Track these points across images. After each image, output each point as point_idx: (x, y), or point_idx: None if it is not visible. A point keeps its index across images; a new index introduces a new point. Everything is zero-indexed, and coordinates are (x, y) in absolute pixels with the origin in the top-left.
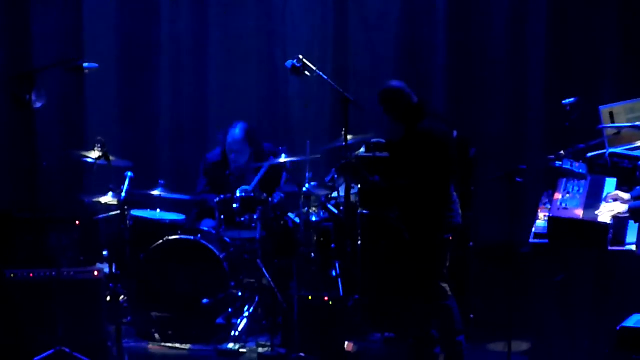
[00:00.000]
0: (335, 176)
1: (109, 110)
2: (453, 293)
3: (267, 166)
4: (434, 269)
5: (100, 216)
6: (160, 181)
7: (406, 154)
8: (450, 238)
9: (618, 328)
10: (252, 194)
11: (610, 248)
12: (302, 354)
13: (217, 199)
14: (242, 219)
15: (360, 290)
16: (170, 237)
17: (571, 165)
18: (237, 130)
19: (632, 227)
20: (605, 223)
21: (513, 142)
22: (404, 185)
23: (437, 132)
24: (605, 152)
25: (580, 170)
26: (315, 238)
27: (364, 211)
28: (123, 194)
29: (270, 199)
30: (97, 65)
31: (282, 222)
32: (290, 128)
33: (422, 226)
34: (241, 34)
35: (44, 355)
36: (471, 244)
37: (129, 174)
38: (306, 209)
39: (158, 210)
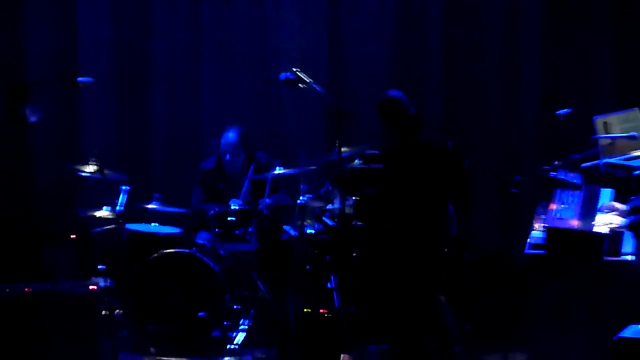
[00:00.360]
0: (330, 188)
1: (103, 124)
2: (449, 304)
3: (266, 177)
4: (430, 280)
5: (96, 230)
6: (155, 195)
7: (403, 166)
8: (446, 250)
9: (615, 339)
10: (247, 207)
11: (606, 259)
12: None
13: (212, 211)
14: (237, 231)
15: (356, 303)
16: (166, 251)
17: (566, 176)
18: (230, 134)
19: (628, 237)
20: (602, 233)
21: (508, 153)
22: (400, 201)
23: (433, 145)
24: (600, 163)
25: (576, 181)
26: (310, 250)
27: (359, 223)
28: (119, 208)
29: (264, 211)
30: (92, 79)
31: (277, 235)
32: (284, 140)
33: (418, 238)
34: (234, 47)
35: None
36: (467, 255)
37: (125, 187)
38: (301, 221)
39: (153, 224)
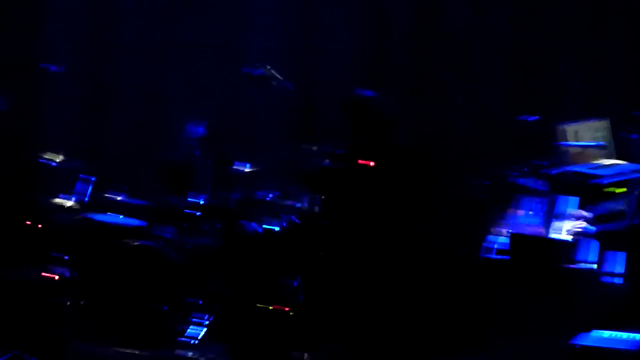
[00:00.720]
0: (297, 186)
1: (72, 112)
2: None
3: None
4: (394, 280)
5: (61, 219)
6: (124, 187)
7: (369, 166)
8: (414, 252)
9: (575, 346)
10: (214, 201)
11: (570, 266)
12: None
13: (179, 205)
14: (204, 226)
15: (319, 301)
16: (130, 243)
17: (533, 183)
18: (197, 127)
19: (593, 245)
20: (566, 240)
21: (474, 155)
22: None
23: (401, 146)
24: (567, 170)
25: (542, 188)
26: (275, 248)
27: (326, 222)
28: (86, 198)
29: (230, 207)
30: (62, 69)
31: (243, 231)
32: (252, 135)
33: (383, 238)
34: (205, 40)
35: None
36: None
37: (90, 177)
38: (268, 218)
39: (120, 216)
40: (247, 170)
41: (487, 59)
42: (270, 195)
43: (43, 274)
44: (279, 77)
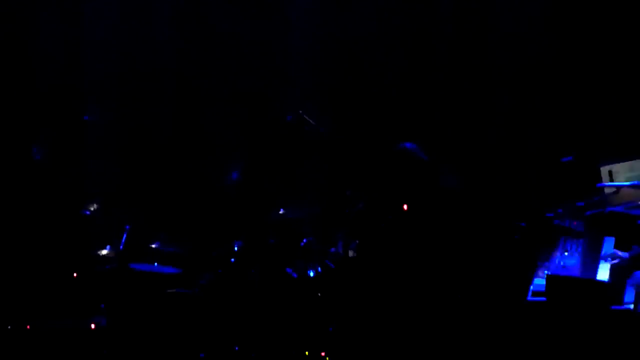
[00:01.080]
0: (332, 231)
1: (109, 162)
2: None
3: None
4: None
5: (99, 268)
6: (160, 234)
7: (412, 212)
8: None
9: None
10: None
11: (610, 307)
12: None
13: (214, 253)
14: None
15: (356, 346)
16: (168, 290)
17: (570, 224)
18: (234, 173)
19: (630, 285)
20: (604, 281)
21: (512, 196)
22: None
23: (445, 191)
24: (604, 211)
25: (579, 229)
26: (312, 293)
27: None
28: (121, 247)
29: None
30: (98, 117)
31: (278, 277)
32: (288, 182)
33: (426, 281)
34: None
35: None
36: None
37: (126, 226)
38: (304, 263)
39: (156, 263)
40: (280, 213)
41: (528, 99)
42: (305, 240)
43: (85, 322)
44: (311, 121)
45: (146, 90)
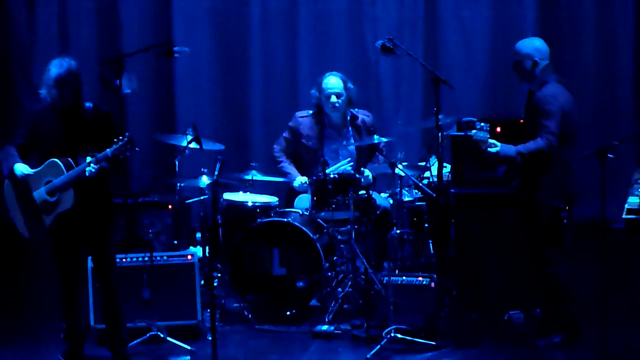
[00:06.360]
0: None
1: (200, 93)
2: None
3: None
4: (544, 235)
5: (193, 200)
6: (252, 164)
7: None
8: (567, 208)
9: None
10: (345, 174)
11: None
12: (397, 335)
13: (310, 179)
14: (335, 199)
15: (456, 270)
16: (263, 220)
17: None
18: (332, 77)
19: None
20: None
21: (604, 119)
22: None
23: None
24: None
25: None
26: (408, 218)
27: (458, 190)
28: (215, 178)
29: (361, 179)
30: (187, 49)
31: (375, 203)
32: (382, 108)
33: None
34: (331, 16)
35: (139, 340)
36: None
37: (220, 157)
38: (398, 189)
39: (249, 193)
40: (380, 140)
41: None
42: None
43: (182, 254)
44: (403, 48)
45: None
